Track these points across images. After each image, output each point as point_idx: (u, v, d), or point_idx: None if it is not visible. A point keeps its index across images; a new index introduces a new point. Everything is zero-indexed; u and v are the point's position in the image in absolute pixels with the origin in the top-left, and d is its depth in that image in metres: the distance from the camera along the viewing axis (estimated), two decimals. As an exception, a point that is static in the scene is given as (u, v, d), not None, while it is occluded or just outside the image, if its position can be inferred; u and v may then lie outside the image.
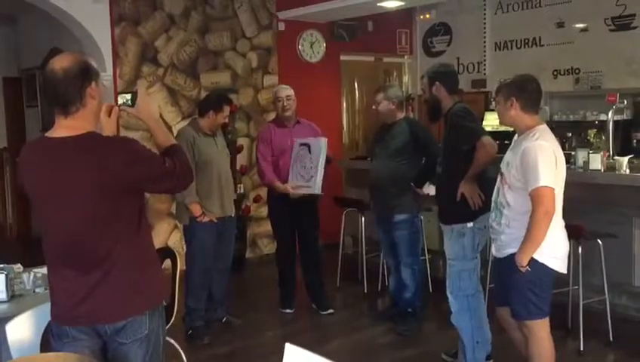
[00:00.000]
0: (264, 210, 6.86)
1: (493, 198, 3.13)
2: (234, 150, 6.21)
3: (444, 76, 3.70)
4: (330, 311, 4.93)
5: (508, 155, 3.06)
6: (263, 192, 6.73)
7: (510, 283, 2.99)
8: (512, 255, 2.93)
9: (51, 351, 2.16)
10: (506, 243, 3.01)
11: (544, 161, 2.83)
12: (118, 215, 2.12)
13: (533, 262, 2.88)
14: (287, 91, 4.82)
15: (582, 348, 4.02)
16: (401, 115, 4.53)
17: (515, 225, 2.95)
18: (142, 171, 2.13)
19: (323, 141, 4.68)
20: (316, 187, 4.61)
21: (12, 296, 2.92)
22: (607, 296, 4.17)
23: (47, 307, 2.29)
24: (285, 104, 4.75)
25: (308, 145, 4.68)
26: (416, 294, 4.54)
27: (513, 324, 3.14)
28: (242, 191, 6.47)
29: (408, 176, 4.38)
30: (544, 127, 2.99)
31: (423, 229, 5.37)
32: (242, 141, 6.64)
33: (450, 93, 3.65)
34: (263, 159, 4.77)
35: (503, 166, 3.07)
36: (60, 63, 2.07)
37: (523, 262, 2.88)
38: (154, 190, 2.42)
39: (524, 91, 2.98)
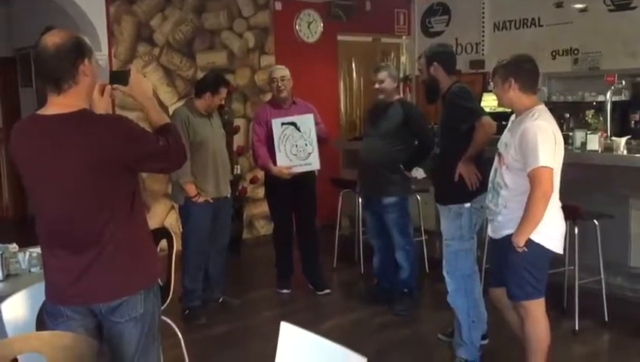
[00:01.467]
0: (261, 191, 6.85)
1: (490, 179, 3.11)
2: (231, 131, 6.19)
3: (443, 56, 3.66)
4: (327, 291, 4.95)
5: (505, 136, 3.04)
6: (260, 173, 6.71)
7: (507, 264, 2.98)
8: (509, 236, 2.93)
9: (46, 330, 2.16)
10: (502, 224, 3.00)
11: (543, 141, 2.81)
12: (112, 194, 2.11)
13: (530, 242, 2.87)
14: (282, 72, 4.77)
15: (577, 328, 4.04)
16: (397, 96, 4.50)
17: (513, 206, 2.94)
18: (135, 149, 2.11)
19: (310, 117, 4.68)
20: (315, 163, 4.62)
21: (7, 276, 2.92)
22: (602, 276, 4.19)
23: (42, 286, 2.28)
24: (280, 85, 4.71)
25: (294, 124, 4.64)
26: (412, 275, 4.55)
27: (508, 305, 3.15)
28: (239, 172, 6.45)
29: (399, 159, 4.37)
30: (543, 107, 2.97)
31: (420, 210, 5.40)
32: (239, 122, 6.61)
33: (448, 73, 3.62)
34: (258, 140, 4.75)
35: (500, 146, 3.05)
36: (52, 39, 2.04)
37: (520, 242, 2.87)
38: (148, 169, 2.39)
39: (522, 71, 2.95)
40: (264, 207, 6.85)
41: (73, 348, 1.95)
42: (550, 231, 2.92)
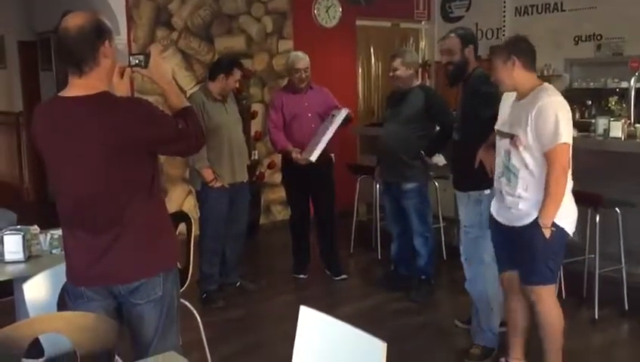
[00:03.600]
0: (278, 177, 6.84)
1: (502, 163, 3.02)
2: (248, 116, 6.18)
3: (474, 39, 3.65)
4: (344, 276, 4.95)
5: (512, 117, 2.96)
6: (277, 159, 6.71)
7: (528, 250, 2.93)
8: (533, 222, 2.87)
9: (68, 310, 2.18)
10: (525, 212, 2.93)
11: (564, 117, 2.78)
12: (132, 176, 2.12)
13: (554, 226, 2.85)
14: (304, 62, 4.72)
15: (596, 317, 4.00)
16: (417, 82, 4.46)
17: (535, 188, 2.88)
18: (155, 132, 2.11)
19: (344, 111, 4.69)
20: (312, 154, 4.55)
21: (29, 257, 2.94)
22: (623, 265, 4.13)
23: (64, 267, 2.30)
24: (303, 76, 4.70)
25: (334, 116, 4.69)
26: (430, 262, 4.54)
27: (515, 291, 3.12)
28: (256, 157, 6.45)
29: (419, 145, 4.34)
30: (551, 86, 2.95)
31: (438, 197, 5.36)
32: (256, 107, 6.60)
33: (476, 57, 3.60)
34: (274, 126, 4.74)
35: (510, 128, 2.95)
36: (74, 21, 2.04)
37: (548, 222, 2.82)
38: (167, 152, 2.38)
39: (522, 49, 2.92)
40: (281, 193, 6.86)
41: (95, 329, 1.97)
42: (566, 212, 2.89)
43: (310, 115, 4.77)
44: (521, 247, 2.98)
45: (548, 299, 3.00)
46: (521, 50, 2.91)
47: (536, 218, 2.87)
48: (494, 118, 3.16)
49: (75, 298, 2.18)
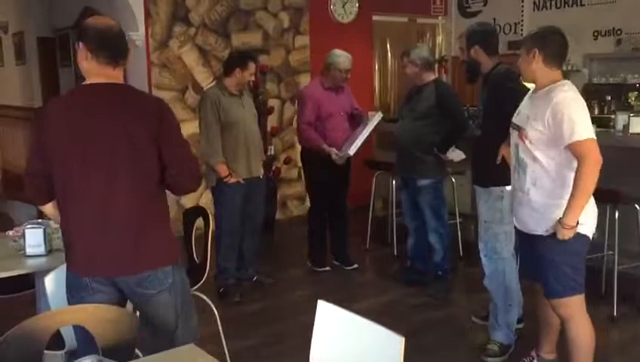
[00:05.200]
0: (294, 172, 6.87)
1: (514, 156, 2.96)
2: (265, 111, 6.19)
3: (483, 36, 3.59)
4: (355, 265, 4.98)
5: (526, 109, 2.89)
6: (294, 153, 6.75)
7: (543, 257, 2.84)
8: (547, 236, 2.78)
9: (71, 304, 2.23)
10: (536, 213, 2.83)
11: (580, 112, 2.69)
12: (145, 169, 2.20)
13: (576, 234, 2.73)
14: (349, 64, 4.72)
15: (615, 314, 3.97)
16: (430, 77, 4.42)
17: (544, 183, 2.79)
18: (168, 132, 2.23)
19: (379, 115, 4.86)
20: (351, 149, 4.66)
21: (50, 251, 2.98)
22: (643, 262, 4.11)
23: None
24: (346, 77, 4.73)
25: (372, 116, 4.84)
26: (445, 257, 4.53)
27: (545, 304, 3.02)
28: (272, 152, 6.46)
29: (432, 140, 4.33)
30: (570, 82, 2.83)
31: (455, 193, 5.34)
32: (273, 102, 6.61)
33: (489, 54, 3.54)
34: (308, 123, 4.70)
35: (520, 120, 2.90)
36: (110, 21, 2.26)
37: (572, 221, 2.67)
38: (166, 161, 2.26)
39: (548, 43, 2.80)
40: (298, 188, 6.91)
41: (117, 322, 2.00)
42: (585, 217, 2.76)
43: (342, 115, 4.80)
44: (538, 259, 2.88)
45: (577, 311, 2.86)
46: (547, 43, 2.80)
47: (549, 232, 2.77)
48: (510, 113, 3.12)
49: (78, 290, 2.22)
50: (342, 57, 4.71)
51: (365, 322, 1.78)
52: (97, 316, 2.01)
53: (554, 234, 2.76)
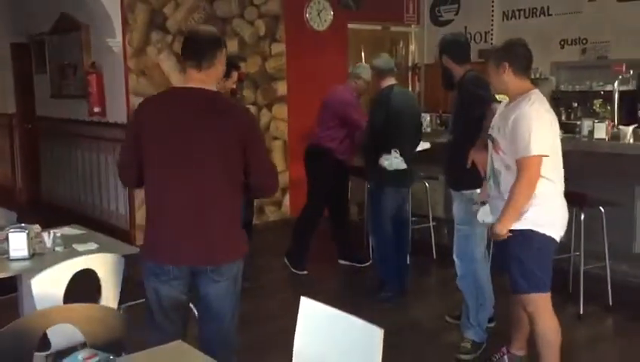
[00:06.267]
0: (271, 178, 6.95)
1: (489, 166, 3.10)
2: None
3: (452, 46, 3.74)
4: (370, 262, 5.24)
5: (498, 121, 3.01)
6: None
7: (512, 257, 2.97)
8: (518, 234, 2.91)
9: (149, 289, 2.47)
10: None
11: (538, 128, 2.80)
12: (231, 171, 2.38)
13: (533, 233, 2.87)
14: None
15: (582, 312, 4.13)
16: (385, 85, 4.49)
17: None
18: (253, 142, 2.42)
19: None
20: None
21: (33, 254, 3.01)
22: (607, 262, 4.26)
23: (69, 263, 2.41)
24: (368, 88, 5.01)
25: None
26: (381, 263, 4.64)
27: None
28: (250, 158, 6.53)
29: (366, 146, 4.59)
30: (537, 92, 2.96)
31: (428, 197, 5.48)
32: (250, 109, 6.69)
33: (458, 63, 3.69)
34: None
35: (493, 131, 3.03)
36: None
37: (503, 231, 2.86)
38: (249, 168, 2.45)
39: (516, 55, 2.93)
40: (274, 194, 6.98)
41: (104, 320, 2.07)
42: (552, 220, 2.90)
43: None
44: (508, 256, 3.00)
45: (542, 307, 2.97)
46: (514, 55, 2.93)
47: (520, 229, 2.89)
48: (483, 119, 3.27)
49: (157, 275, 2.42)
50: (367, 69, 4.94)
51: (346, 316, 1.88)
52: (87, 315, 2.07)
53: (522, 232, 2.89)
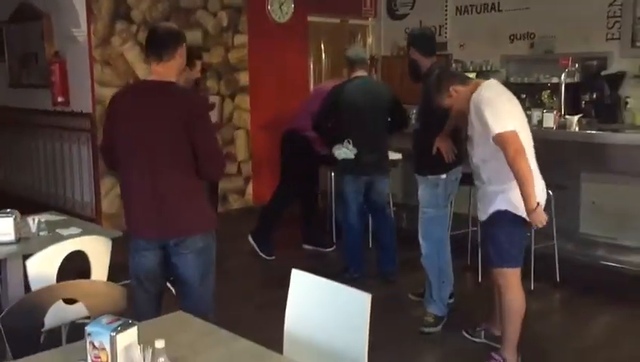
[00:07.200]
0: (234, 167, 7.11)
1: (470, 163, 3.32)
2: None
3: (419, 40, 4.00)
4: (332, 248, 5.57)
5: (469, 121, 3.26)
6: (234, 149, 7.02)
7: (488, 235, 3.27)
8: (495, 213, 3.17)
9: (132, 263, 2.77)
10: (489, 200, 3.20)
11: (499, 108, 3.04)
12: (181, 151, 2.59)
13: (508, 213, 3.13)
14: None
15: (532, 288, 4.44)
16: (351, 77, 4.67)
17: (497, 178, 3.13)
18: (199, 122, 2.63)
19: None
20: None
21: (19, 239, 3.10)
22: (555, 241, 4.61)
23: (59, 246, 2.56)
24: None
25: None
26: (344, 249, 4.90)
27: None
28: (213, 147, 6.65)
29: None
30: (487, 82, 3.25)
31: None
32: (213, 99, 6.77)
33: (425, 55, 3.94)
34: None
35: (469, 130, 3.27)
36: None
37: (532, 205, 2.94)
38: (197, 145, 2.66)
39: (454, 73, 3.58)
40: (237, 183, 7.15)
41: (106, 295, 2.22)
42: (517, 199, 3.07)
43: None
44: (484, 232, 3.29)
45: (512, 281, 3.22)
46: (454, 74, 3.34)
47: (497, 209, 3.15)
48: (447, 109, 3.53)
49: (136, 249, 2.74)
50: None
51: (335, 285, 2.09)
52: (91, 290, 2.22)
53: (498, 211, 3.16)
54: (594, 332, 3.97)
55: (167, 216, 2.65)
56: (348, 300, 2.03)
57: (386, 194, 4.98)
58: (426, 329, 3.88)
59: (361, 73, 4.65)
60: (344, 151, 4.50)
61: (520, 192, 2.98)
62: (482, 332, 3.67)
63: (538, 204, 2.98)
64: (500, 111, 3.06)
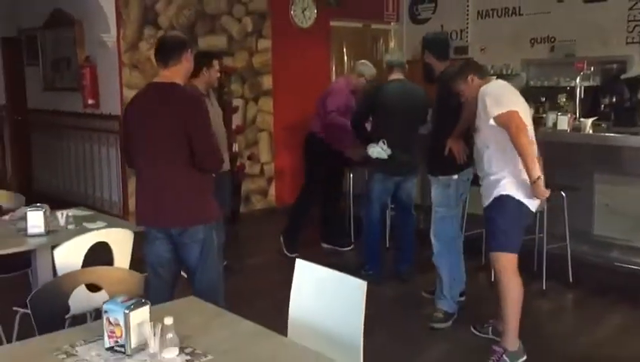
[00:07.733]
0: (257, 168, 7.30)
1: (474, 155, 3.48)
2: (229, 111, 6.58)
3: (434, 44, 4.14)
4: (350, 247, 5.71)
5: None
6: (257, 150, 7.21)
7: (488, 220, 3.39)
8: (495, 199, 3.30)
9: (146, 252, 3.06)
10: (492, 186, 3.32)
11: (501, 92, 3.25)
12: (176, 147, 2.84)
13: (509, 198, 3.24)
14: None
15: (544, 288, 4.53)
16: (389, 79, 4.79)
17: (497, 163, 3.27)
18: (197, 123, 2.88)
19: None
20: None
21: (48, 232, 3.30)
22: (568, 242, 4.67)
23: (88, 236, 2.74)
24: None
25: None
26: (364, 246, 4.99)
27: None
28: (236, 149, 6.85)
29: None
30: (499, 80, 3.49)
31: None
32: (237, 102, 7.01)
33: (439, 59, 4.07)
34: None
35: (476, 121, 3.43)
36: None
37: (534, 176, 3.07)
38: (195, 144, 2.91)
39: (473, 64, 3.56)
40: (260, 183, 7.34)
41: (126, 281, 2.39)
42: (523, 185, 3.21)
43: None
44: (485, 217, 3.40)
45: (507, 267, 3.33)
46: (472, 65, 3.48)
47: (497, 195, 3.28)
48: (460, 111, 3.65)
49: (147, 238, 3.04)
50: (371, 67, 5.43)
51: (335, 273, 2.23)
52: (110, 276, 2.40)
53: (499, 197, 3.28)
54: (605, 332, 4.01)
55: (166, 207, 2.92)
56: (346, 287, 2.16)
57: (413, 195, 5.08)
58: (436, 325, 3.98)
59: (397, 76, 4.71)
60: (378, 151, 4.63)
61: (524, 166, 3.12)
62: (490, 329, 3.77)
63: (539, 177, 3.11)
64: (502, 97, 3.25)
